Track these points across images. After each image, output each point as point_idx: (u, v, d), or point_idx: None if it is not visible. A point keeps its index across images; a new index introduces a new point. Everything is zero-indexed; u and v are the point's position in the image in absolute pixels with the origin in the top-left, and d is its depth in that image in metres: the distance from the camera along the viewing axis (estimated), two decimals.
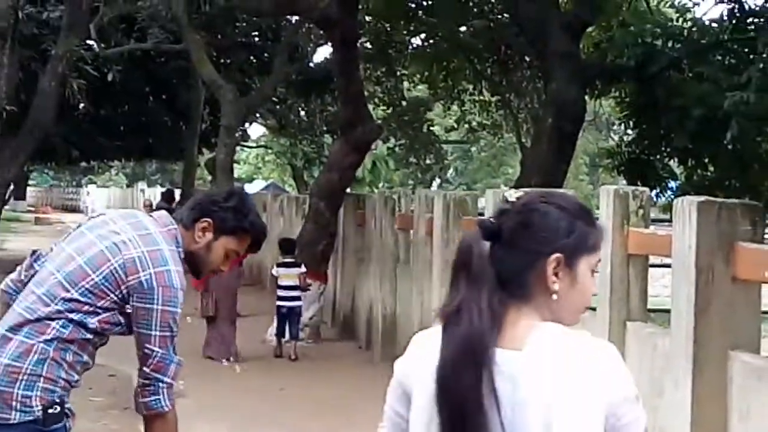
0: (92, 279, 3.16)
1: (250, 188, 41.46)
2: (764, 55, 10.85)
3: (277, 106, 25.65)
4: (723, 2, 12.64)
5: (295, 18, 18.61)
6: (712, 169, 13.03)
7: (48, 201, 65.84)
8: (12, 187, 23.25)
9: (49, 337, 3.12)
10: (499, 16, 17.42)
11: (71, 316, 3.14)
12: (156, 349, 3.19)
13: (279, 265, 11.64)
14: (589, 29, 14.20)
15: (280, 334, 11.47)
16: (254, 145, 44.10)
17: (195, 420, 7.20)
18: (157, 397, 3.22)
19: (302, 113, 26.82)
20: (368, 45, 19.34)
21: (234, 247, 3.42)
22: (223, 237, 3.39)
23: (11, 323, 3.16)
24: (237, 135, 19.72)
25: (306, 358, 11.40)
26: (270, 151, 43.55)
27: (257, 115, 26.75)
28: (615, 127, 28.49)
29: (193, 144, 24.52)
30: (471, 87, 20.09)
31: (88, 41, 18.07)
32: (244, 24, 21.45)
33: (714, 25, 13.09)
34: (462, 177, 51.05)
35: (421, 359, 2.02)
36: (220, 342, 11.08)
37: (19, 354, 3.10)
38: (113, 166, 54.66)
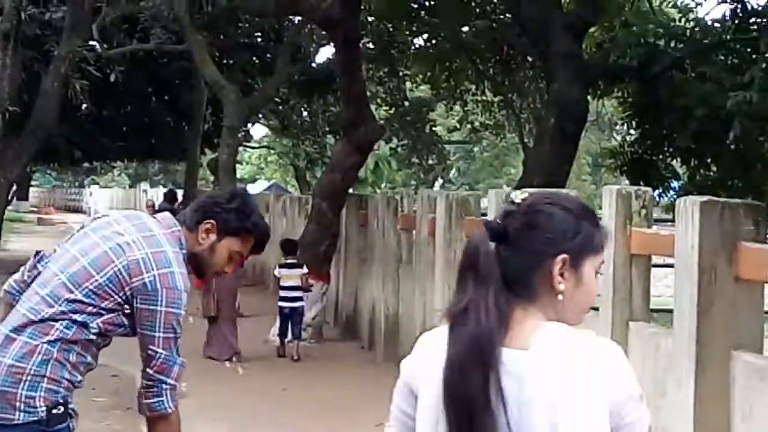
0: (96, 280, 3.17)
1: (253, 189, 41.47)
2: (767, 55, 10.83)
3: (280, 107, 25.67)
4: (725, 2, 12.64)
5: (297, 18, 18.62)
6: (714, 169, 13.02)
7: (51, 201, 65.94)
8: (15, 187, 23.29)
9: (52, 338, 3.12)
10: (502, 17, 17.42)
11: (75, 317, 3.15)
12: (159, 350, 3.19)
13: (281, 266, 11.65)
14: (592, 29, 14.21)
15: (282, 334, 11.49)
16: (257, 145, 44.13)
17: (197, 420, 7.20)
18: (160, 398, 3.23)
19: (305, 114, 26.84)
20: (370, 45, 19.35)
21: (237, 248, 3.42)
22: (227, 238, 3.39)
23: (15, 324, 3.16)
24: (239, 135, 19.78)
25: (308, 358, 11.40)
26: (272, 151, 43.58)
27: (260, 115, 26.78)
28: (617, 127, 28.50)
29: (196, 144, 24.54)
30: (473, 87, 20.10)
31: (91, 42, 18.10)
32: (247, 24, 21.47)
33: (716, 25, 13.08)
34: (464, 177, 51.04)
35: (427, 359, 2.04)
36: (222, 342, 11.09)
37: (22, 355, 3.10)
38: (116, 167, 54.71)
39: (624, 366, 1.95)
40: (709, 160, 12.94)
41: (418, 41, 19.90)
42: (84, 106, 19.28)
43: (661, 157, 13.37)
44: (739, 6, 12.36)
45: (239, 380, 10.09)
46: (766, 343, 5.09)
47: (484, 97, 20.61)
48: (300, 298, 11.52)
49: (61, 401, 3.13)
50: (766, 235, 4.87)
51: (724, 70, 11.90)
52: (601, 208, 6.07)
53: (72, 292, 3.16)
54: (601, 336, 2.01)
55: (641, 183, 12.04)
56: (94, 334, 3.18)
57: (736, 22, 12.61)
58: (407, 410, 2.10)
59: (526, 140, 19.51)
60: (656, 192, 12.72)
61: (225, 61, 21.67)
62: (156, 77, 22.71)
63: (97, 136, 24.16)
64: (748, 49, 12.45)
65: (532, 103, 19.52)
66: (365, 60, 16.96)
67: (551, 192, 2.34)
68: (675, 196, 12.25)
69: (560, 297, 2.00)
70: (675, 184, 13.53)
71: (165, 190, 28.30)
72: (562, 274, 2.01)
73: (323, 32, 17.44)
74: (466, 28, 18.33)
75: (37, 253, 3.44)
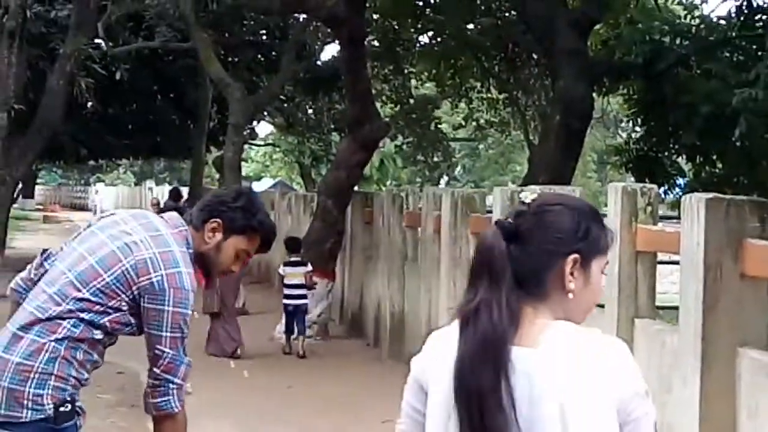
0: (103, 279, 3.17)
1: (258, 186, 41.50)
2: None
3: (285, 104, 25.67)
4: None
5: (302, 16, 18.63)
6: (720, 165, 13.01)
7: (56, 199, 66.02)
8: (20, 185, 23.34)
9: (60, 336, 3.13)
10: (507, 14, 17.41)
11: (82, 315, 3.15)
12: (167, 350, 3.19)
13: (285, 264, 11.67)
14: (597, 27, 14.19)
15: (288, 331, 11.50)
16: (262, 143, 44.16)
17: (202, 418, 7.21)
18: (167, 397, 3.23)
19: (310, 111, 26.84)
20: (376, 43, 19.34)
21: (244, 246, 3.42)
22: (233, 237, 3.39)
23: (22, 322, 3.17)
24: (245, 133, 19.78)
25: (314, 356, 11.41)
26: (278, 149, 43.59)
27: (265, 113, 26.77)
28: (623, 125, 28.49)
29: (201, 142, 24.55)
30: (478, 84, 20.08)
31: (96, 40, 18.13)
32: (252, 22, 21.48)
33: (722, 22, 13.07)
34: (470, 174, 51.04)
35: (437, 357, 2.08)
36: (225, 338, 11.11)
37: (30, 353, 3.11)
38: (121, 165, 54.82)
39: (630, 363, 1.99)
40: (714, 157, 12.92)
41: (424, 39, 19.89)
42: (89, 104, 19.33)
43: (666, 154, 13.35)
44: (745, 3, 12.33)
45: (244, 378, 10.10)
46: None
47: (489, 95, 20.59)
48: (304, 296, 11.54)
49: (69, 399, 3.14)
50: None
51: (729, 67, 11.88)
52: (606, 205, 6.07)
53: (80, 290, 3.16)
54: (607, 333, 2.04)
55: (647, 180, 12.02)
56: (101, 332, 3.19)
57: (742, 19, 12.59)
58: (418, 407, 2.13)
59: (531, 137, 19.51)
60: (662, 189, 12.70)
61: (230, 59, 21.68)
62: (161, 75, 22.72)
63: (102, 134, 24.19)
64: (754, 46, 12.43)
65: (538, 101, 19.49)
66: (370, 57, 16.97)
67: (559, 192, 2.40)
68: (680, 193, 12.23)
69: (570, 296, 2.05)
70: (680, 181, 13.51)
71: (170, 188, 28.32)
72: (572, 273, 2.05)
73: (328, 30, 17.44)
74: (471, 26, 18.33)
75: (44, 251, 3.44)
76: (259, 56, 22.81)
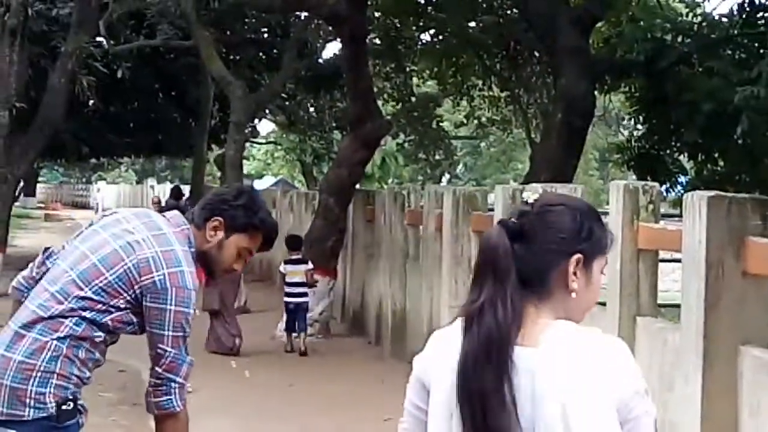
0: (106, 278, 3.17)
1: (260, 184, 41.53)
2: None
3: (287, 103, 25.66)
4: None
5: (304, 14, 18.62)
6: (722, 163, 13.00)
7: (58, 197, 66.02)
8: (22, 183, 23.33)
9: (62, 335, 3.13)
10: (509, 12, 17.40)
11: (84, 314, 3.16)
12: (169, 349, 3.20)
13: (286, 262, 11.68)
14: (599, 24, 14.18)
15: (289, 329, 11.52)
16: (263, 141, 44.14)
17: (204, 416, 7.20)
18: (169, 397, 3.23)
19: (311, 109, 26.83)
20: (377, 41, 19.32)
21: (246, 244, 3.42)
22: (235, 235, 3.39)
23: (24, 320, 3.17)
24: (246, 131, 19.76)
25: (315, 354, 11.42)
26: (279, 147, 43.57)
27: (266, 111, 26.75)
28: (624, 122, 28.48)
29: (203, 140, 24.55)
30: (480, 82, 20.06)
31: (98, 38, 18.12)
32: (253, 20, 21.47)
33: (724, 19, 13.05)
34: (471, 172, 51.03)
35: (440, 356, 2.10)
36: (226, 334, 11.13)
37: (32, 351, 3.11)
38: (123, 163, 54.85)
39: (630, 362, 2.01)
40: (716, 155, 12.91)
41: (425, 37, 19.87)
42: (91, 102, 19.34)
43: (668, 152, 13.34)
44: (747, 0, 12.33)
45: (246, 376, 10.10)
46: None
47: (490, 93, 20.57)
48: (305, 294, 11.55)
49: (71, 397, 3.14)
50: None
51: (731, 64, 11.87)
52: (608, 204, 6.06)
53: (82, 289, 3.17)
54: (609, 331, 2.05)
55: (648, 178, 12.01)
56: (103, 331, 3.19)
57: (744, 16, 12.58)
58: (420, 405, 2.15)
59: (533, 135, 19.47)
60: (663, 187, 12.70)
61: (232, 57, 21.66)
62: (163, 73, 22.72)
63: (104, 132, 24.19)
64: (756, 44, 12.42)
65: (539, 99, 19.47)
66: (372, 55, 16.96)
67: (560, 193, 2.44)
68: (682, 191, 12.22)
69: (573, 295, 2.08)
70: (682, 179, 13.50)
71: (172, 186, 28.34)
72: (575, 273, 2.08)
73: (330, 28, 17.43)
74: (473, 24, 18.32)
75: (46, 249, 3.45)
76: (261, 54, 22.79)
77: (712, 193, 4.85)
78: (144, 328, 3.24)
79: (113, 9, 18.39)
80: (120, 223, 3.30)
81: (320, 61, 22.64)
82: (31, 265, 3.45)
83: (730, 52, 12.70)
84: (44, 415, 3.09)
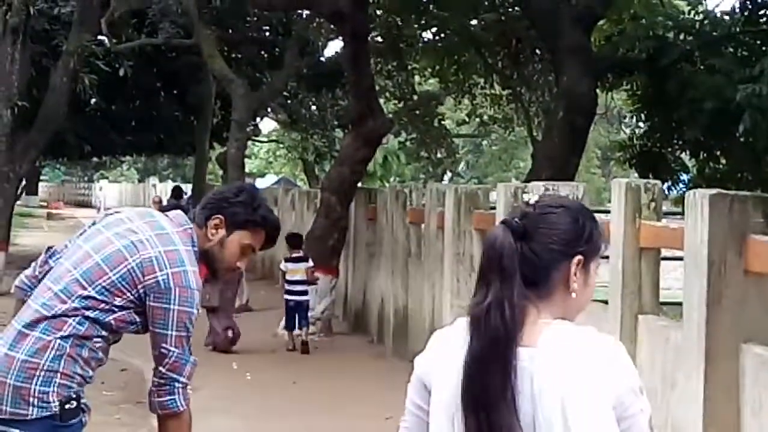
0: (109, 277, 3.18)
1: (262, 183, 41.52)
2: None
3: (288, 101, 25.67)
4: None
5: (305, 12, 18.61)
6: (724, 161, 12.99)
7: (60, 196, 66.03)
8: (24, 182, 23.35)
9: (65, 334, 3.13)
10: (510, 10, 17.38)
11: (88, 313, 3.16)
12: (172, 348, 3.20)
13: (287, 260, 11.70)
14: (601, 22, 14.16)
15: (289, 328, 11.52)
16: (265, 139, 44.14)
17: (207, 414, 7.21)
18: (172, 396, 3.23)
19: (313, 108, 26.83)
20: (379, 39, 19.30)
21: (248, 241, 3.42)
22: (236, 232, 3.39)
23: (27, 320, 3.17)
24: (248, 130, 19.79)
25: (318, 352, 11.42)
26: (281, 145, 43.55)
27: (268, 109, 26.77)
28: (626, 120, 28.48)
29: (205, 139, 24.56)
30: (482, 80, 20.04)
31: (100, 36, 18.12)
32: (255, 19, 21.46)
33: (726, 17, 13.05)
34: (473, 171, 51.00)
35: (441, 356, 2.13)
36: (219, 330, 11.13)
37: (36, 350, 3.11)
38: (125, 161, 54.87)
39: (625, 361, 2.06)
40: (718, 153, 12.91)
41: (427, 35, 19.85)
42: (93, 100, 19.37)
43: (670, 149, 13.34)
44: None
45: (249, 373, 10.10)
46: None
47: (492, 91, 20.54)
48: (306, 292, 11.57)
49: (74, 396, 3.15)
50: None
51: (733, 62, 11.86)
52: (610, 202, 6.06)
53: (85, 288, 3.17)
54: (611, 329, 2.09)
55: (650, 176, 12.02)
56: (106, 330, 3.20)
57: (746, 14, 12.58)
58: (421, 405, 2.18)
59: (534, 133, 19.45)
60: (665, 185, 12.70)
61: (233, 56, 21.66)
62: (165, 72, 22.71)
63: (106, 130, 24.20)
64: (758, 42, 12.42)
65: (541, 97, 19.45)
66: (374, 54, 16.94)
67: (559, 195, 2.50)
68: (684, 189, 12.22)
69: (573, 295, 2.13)
70: (684, 176, 13.51)
71: (174, 184, 28.33)
72: (575, 274, 2.13)
73: (332, 26, 17.42)
74: (474, 22, 18.30)
75: (49, 248, 3.45)
76: (263, 52, 22.79)
77: (714, 191, 4.85)
78: (147, 327, 3.24)
79: (115, 7, 18.38)
80: (123, 223, 3.30)
81: (322, 59, 22.64)
82: (33, 264, 3.46)
83: (732, 49, 12.70)
84: (48, 414, 3.09)
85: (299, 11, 18.98)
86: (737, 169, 12.73)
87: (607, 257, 5.85)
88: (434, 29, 19.29)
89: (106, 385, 8.17)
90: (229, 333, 11.21)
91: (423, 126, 23.04)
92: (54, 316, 3.14)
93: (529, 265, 2.08)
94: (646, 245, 5.72)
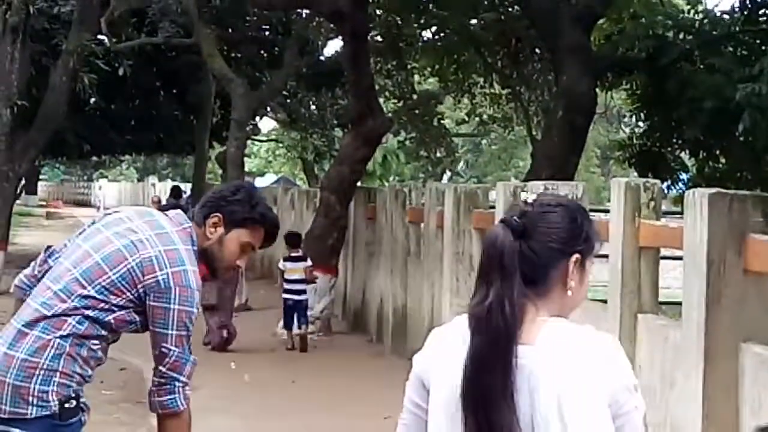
0: (109, 277, 3.18)
1: (261, 182, 41.52)
2: None
3: (288, 100, 25.66)
4: None
5: (305, 12, 18.61)
6: (723, 161, 13.00)
7: (59, 195, 66.04)
8: (23, 181, 23.33)
9: (65, 333, 3.13)
10: (510, 9, 17.38)
11: (87, 312, 3.16)
12: (172, 348, 3.20)
13: (285, 259, 11.71)
14: (600, 21, 14.16)
15: (288, 327, 11.53)
16: (265, 138, 44.14)
17: (206, 413, 7.20)
18: (173, 396, 3.23)
19: (313, 107, 26.83)
20: (379, 38, 19.31)
21: (247, 239, 3.42)
22: (235, 230, 3.39)
23: (27, 319, 3.17)
24: (248, 129, 19.78)
25: (317, 351, 11.42)
26: (280, 144, 43.54)
27: (268, 108, 26.76)
28: (626, 120, 28.47)
29: (204, 138, 24.55)
30: (482, 80, 20.05)
31: (99, 36, 18.11)
32: (255, 18, 21.45)
33: (725, 16, 13.05)
34: (473, 170, 50.99)
35: (440, 355, 2.15)
36: (215, 328, 11.13)
37: (35, 349, 3.11)
38: (124, 161, 54.84)
39: (621, 359, 2.08)
40: (717, 152, 12.91)
41: (427, 34, 19.85)
42: (92, 99, 19.35)
43: (669, 149, 13.35)
44: None
45: (247, 373, 10.10)
46: None
47: (492, 90, 20.55)
48: (304, 291, 11.58)
49: (73, 395, 3.15)
50: None
51: (733, 61, 11.87)
52: (609, 201, 6.06)
53: (85, 287, 3.17)
54: (610, 328, 2.10)
55: (650, 175, 12.02)
56: (105, 329, 3.20)
57: (746, 13, 12.58)
58: (420, 403, 2.19)
59: (534, 133, 19.45)
60: (665, 184, 12.71)
61: (233, 55, 21.65)
62: (164, 71, 22.71)
63: (105, 129, 24.19)
64: (758, 41, 12.43)
65: (541, 96, 19.46)
66: (373, 53, 16.93)
67: (555, 194, 2.54)
68: (683, 189, 12.23)
69: (570, 293, 2.15)
70: (684, 176, 13.51)
71: (173, 184, 28.32)
72: (572, 272, 2.16)
73: (331, 25, 17.42)
74: (474, 21, 18.30)
75: (48, 248, 3.45)
76: (262, 52, 22.78)
77: (714, 190, 4.85)
78: (146, 326, 3.24)
79: (115, 6, 18.37)
80: (123, 222, 3.30)
81: (321, 58, 22.63)
82: (33, 263, 3.45)
83: (731, 49, 12.70)
84: (47, 413, 3.09)
85: (299, 10, 18.98)
86: (737, 169, 12.74)
87: (605, 256, 5.86)
88: (434, 28, 19.29)
89: (105, 384, 8.17)
90: (224, 333, 11.19)
91: (422, 125, 23.05)
92: (54, 316, 3.14)
93: (528, 263, 2.10)
94: (645, 244, 5.71)
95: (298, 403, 8.85)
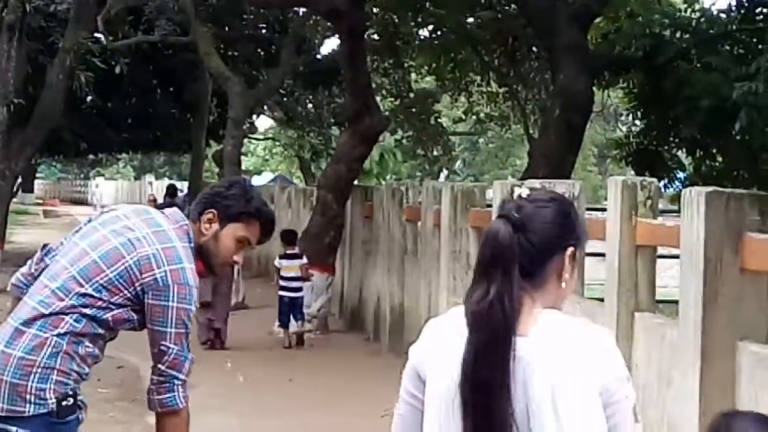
0: (107, 275, 3.18)
1: (258, 180, 41.50)
2: None
3: (285, 98, 25.64)
4: None
5: (302, 10, 18.60)
6: (720, 159, 13.01)
7: (56, 194, 66.03)
8: (20, 179, 23.33)
9: (62, 331, 3.13)
10: (507, 7, 17.38)
11: (85, 310, 3.16)
12: (172, 346, 3.20)
13: (281, 256, 11.72)
14: (597, 20, 14.17)
15: (284, 325, 11.53)
16: (262, 137, 44.13)
17: (204, 411, 7.20)
18: (172, 394, 3.24)
19: (309, 105, 26.81)
20: (375, 36, 19.31)
21: (243, 233, 3.41)
22: (230, 225, 3.39)
23: (24, 317, 3.17)
24: (244, 127, 19.76)
25: (314, 349, 11.42)
26: (277, 143, 43.54)
27: (264, 107, 26.76)
28: (623, 118, 28.47)
29: (201, 136, 24.54)
30: (478, 78, 20.05)
31: (96, 34, 18.10)
32: (251, 16, 21.44)
33: (722, 15, 13.06)
34: (469, 168, 50.98)
35: (437, 347, 2.18)
36: (206, 328, 11.13)
37: (32, 347, 3.11)
38: (121, 159, 54.79)
39: (612, 350, 2.14)
40: (714, 151, 12.93)
41: (423, 32, 19.86)
42: (89, 98, 19.31)
43: (666, 147, 13.36)
44: None
45: (244, 371, 10.10)
46: None
47: (489, 88, 20.56)
48: (300, 288, 11.59)
49: (71, 393, 3.15)
50: None
51: (730, 60, 11.88)
52: (606, 199, 6.06)
53: (82, 286, 3.17)
54: (607, 327, 2.12)
55: (647, 174, 12.03)
56: (103, 327, 3.20)
57: (742, 12, 12.59)
58: (415, 394, 2.22)
59: (531, 131, 19.46)
60: (662, 183, 12.72)
61: (230, 53, 21.65)
62: (161, 69, 22.70)
63: (102, 128, 24.18)
64: (754, 40, 12.44)
65: (538, 94, 19.46)
66: (370, 51, 16.94)
67: (548, 189, 2.61)
68: (680, 187, 12.23)
69: (564, 285, 2.21)
70: (680, 174, 13.52)
71: (169, 182, 28.27)
72: (568, 264, 2.21)
73: (328, 24, 17.42)
74: (471, 19, 18.29)
75: (44, 246, 3.45)
76: (259, 50, 22.77)
77: (711, 188, 4.84)
78: (143, 324, 3.24)
79: (111, 5, 18.38)
80: (120, 220, 3.30)
81: (318, 57, 22.62)
82: (29, 261, 3.45)
83: (728, 47, 12.72)
84: (44, 410, 3.09)
85: (296, 9, 18.97)
86: (733, 167, 12.75)
87: (602, 255, 5.86)
88: (431, 27, 19.30)
89: (102, 382, 8.17)
90: (212, 335, 11.16)
91: (419, 124, 23.03)
92: (51, 314, 3.14)
93: (526, 256, 2.14)
94: (642, 243, 5.71)
95: (295, 401, 8.85)
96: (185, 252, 3.25)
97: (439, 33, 19.04)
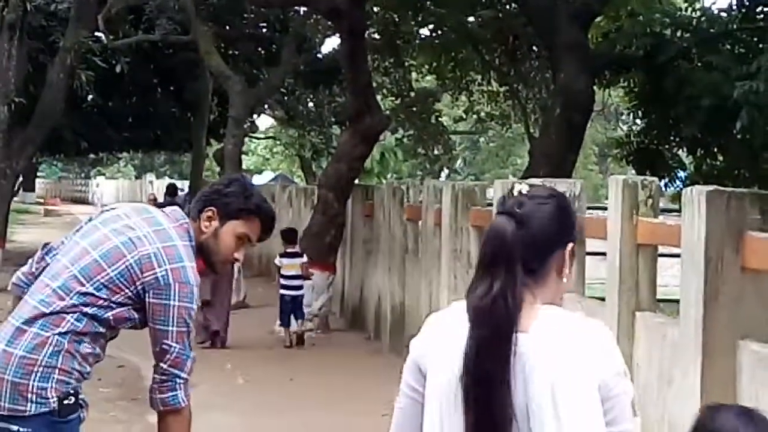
0: (107, 274, 3.18)
1: (259, 179, 41.50)
2: None
3: (285, 97, 25.64)
4: None
5: (303, 9, 18.60)
6: (721, 158, 13.01)
7: (57, 193, 66.02)
8: (21, 178, 23.34)
9: (63, 330, 3.13)
10: (508, 6, 17.37)
11: (86, 309, 3.16)
12: (174, 344, 3.20)
13: (282, 255, 11.72)
14: (598, 19, 14.17)
15: (285, 324, 11.53)
16: (262, 136, 44.13)
17: (205, 410, 7.20)
18: (174, 392, 3.23)
19: (310, 104, 26.81)
20: (376, 36, 19.30)
21: (242, 230, 3.41)
22: (230, 222, 3.39)
23: (26, 316, 3.17)
24: (245, 126, 19.74)
25: (315, 348, 11.43)
26: (278, 142, 43.52)
27: (265, 106, 26.74)
28: (624, 117, 28.47)
29: (202, 135, 24.54)
30: (479, 77, 20.04)
31: (96, 33, 18.09)
32: (252, 15, 21.43)
33: (723, 14, 13.06)
34: (470, 167, 50.98)
35: (438, 342, 2.20)
36: (202, 328, 11.13)
37: (34, 346, 3.11)
38: (121, 158, 54.78)
39: (611, 345, 2.15)
40: (715, 150, 12.92)
41: (424, 31, 19.85)
42: (90, 97, 19.34)
43: (667, 146, 13.35)
44: None
45: (245, 371, 10.10)
46: None
47: (489, 88, 20.55)
48: (301, 287, 11.59)
49: (72, 392, 3.15)
50: None
51: (730, 59, 11.87)
52: (607, 198, 6.06)
53: (83, 285, 3.17)
54: (608, 326, 2.14)
55: (647, 173, 12.03)
56: (104, 326, 3.20)
57: (743, 11, 12.58)
58: (416, 387, 2.24)
59: (531, 130, 19.45)
60: (662, 182, 12.71)
61: (230, 52, 21.64)
62: (161, 68, 22.70)
63: (102, 127, 24.18)
64: (755, 39, 12.43)
65: (538, 93, 19.45)
66: (371, 50, 16.93)
67: (546, 186, 2.64)
68: (681, 186, 12.23)
69: (564, 280, 2.23)
70: (681, 173, 13.52)
71: (169, 181, 28.28)
72: (567, 259, 2.23)
73: (329, 23, 17.41)
74: (471, 18, 18.29)
75: (45, 245, 3.45)
76: (260, 49, 22.76)
77: (711, 187, 4.84)
78: (144, 323, 3.24)
79: (112, 4, 18.38)
80: (120, 219, 3.30)
81: (319, 56, 22.62)
82: (30, 260, 3.45)
83: (729, 46, 12.71)
84: (46, 409, 3.09)
85: (296, 8, 18.96)
86: (734, 166, 12.75)
87: (603, 254, 5.86)
88: (431, 26, 19.28)
89: (102, 381, 8.17)
90: (207, 335, 11.17)
91: (420, 123, 23.02)
92: (52, 313, 3.14)
93: (529, 252, 2.15)
94: (643, 242, 5.72)
95: (296, 400, 8.85)
96: (186, 250, 3.25)
97: (439, 32, 19.03)
